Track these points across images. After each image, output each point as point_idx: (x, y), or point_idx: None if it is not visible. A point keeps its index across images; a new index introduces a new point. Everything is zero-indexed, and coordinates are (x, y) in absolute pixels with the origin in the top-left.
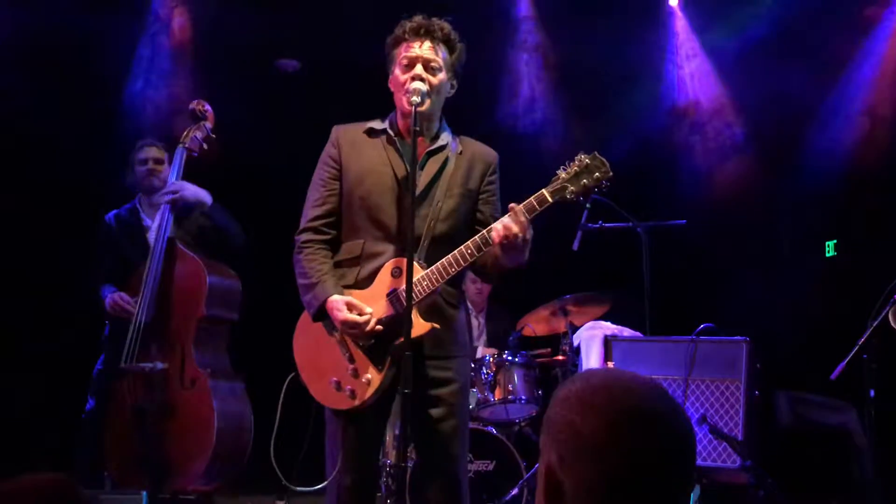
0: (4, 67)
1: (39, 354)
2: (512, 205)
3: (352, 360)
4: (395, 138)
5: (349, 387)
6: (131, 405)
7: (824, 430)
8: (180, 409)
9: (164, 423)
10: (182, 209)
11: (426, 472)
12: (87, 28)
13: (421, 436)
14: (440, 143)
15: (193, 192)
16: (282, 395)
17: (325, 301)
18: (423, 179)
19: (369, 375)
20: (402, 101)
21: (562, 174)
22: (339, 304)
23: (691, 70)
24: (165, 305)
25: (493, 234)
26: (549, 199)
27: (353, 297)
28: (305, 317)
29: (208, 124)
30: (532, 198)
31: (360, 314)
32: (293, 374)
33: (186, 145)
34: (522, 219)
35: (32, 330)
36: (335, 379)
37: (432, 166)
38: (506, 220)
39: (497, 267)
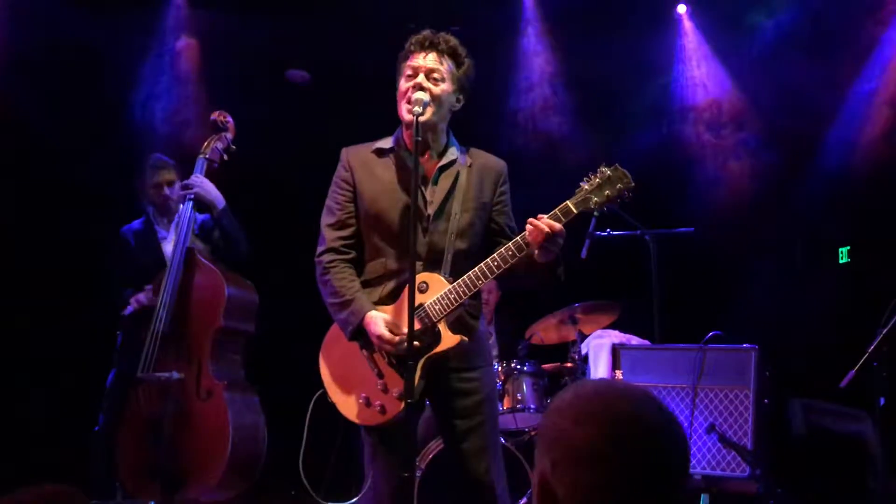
0: (15, 77)
1: (52, 364)
2: (530, 220)
3: (381, 375)
4: (403, 154)
5: (379, 402)
6: (147, 415)
7: (839, 438)
8: (195, 419)
9: (179, 433)
10: (200, 204)
11: (465, 485)
12: (97, 39)
13: (452, 448)
14: (449, 157)
15: (208, 190)
16: (309, 411)
17: (363, 318)
18: (438, 195)
19: (399, 390)
20: (403, 111)
21: (585, 185)
22: (377, 319)
23: (699, 76)
24: (183, 316)
25: (526, 238)
26: (574, 210)
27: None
28: (332, 335)
29: (229, 135)
30: (557, 209)
31: (397, 331)
32: (321, 391)
33: (207, 156)
34: (541, 225)
35: (44, 340)
36: (364, 395)
37: (445, 182)
38: (532, 224)
39: (532, 269)
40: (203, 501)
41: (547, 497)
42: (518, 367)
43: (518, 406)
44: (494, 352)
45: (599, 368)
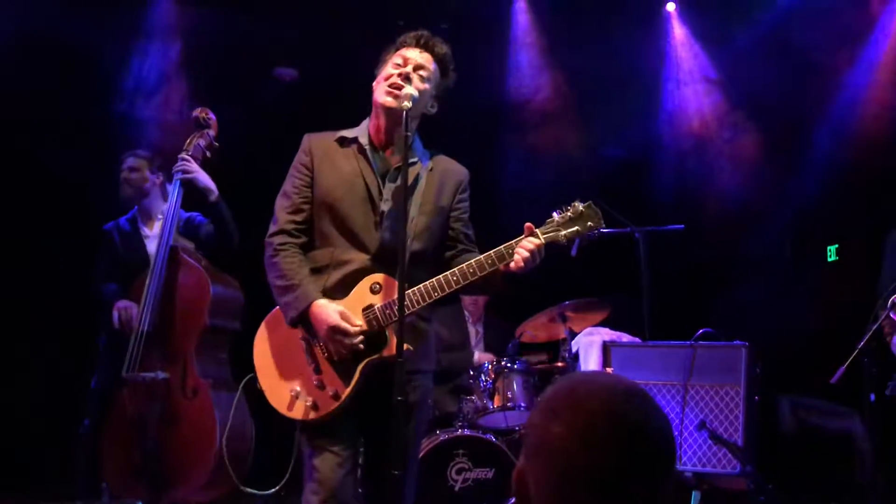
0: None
1: (36, 365)
2: (528, 225)
3: (318, 370)
4: (367, 148)
5: (311, 398)
6: (132, 415)
7: (827, 435)
8: (182, 418)
9: (166, 432)
10: (191, 190)
11: (373, 476)
12: (84, 37)
13: (372, 442)
14: (412, 158)
15: (205, 179)
16: (237, 394)
17: (309, 304)
18: (395, 194)
19: (335, 389)
20: (377, 93)
21: (556, 217)
22: (328, 308)
23: (689, 74)
24: (168, 315)
25: (516, 259)
26: (541, 240)
27: None
28: (271, 321)
29: (212, 132)
30: (524, 236)
31: (350, 324)
32: (250, 375)
33: (190, 153)
34: (539, 242)
35: (28, 340)
36: (297, 388)
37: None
38: (526, 247)
39: (498, 278)
40: (191, 501)
41: (521, 490)
42: (508, 365)
43: (508, 404)
44: (479, 351)
45: (590, 366)
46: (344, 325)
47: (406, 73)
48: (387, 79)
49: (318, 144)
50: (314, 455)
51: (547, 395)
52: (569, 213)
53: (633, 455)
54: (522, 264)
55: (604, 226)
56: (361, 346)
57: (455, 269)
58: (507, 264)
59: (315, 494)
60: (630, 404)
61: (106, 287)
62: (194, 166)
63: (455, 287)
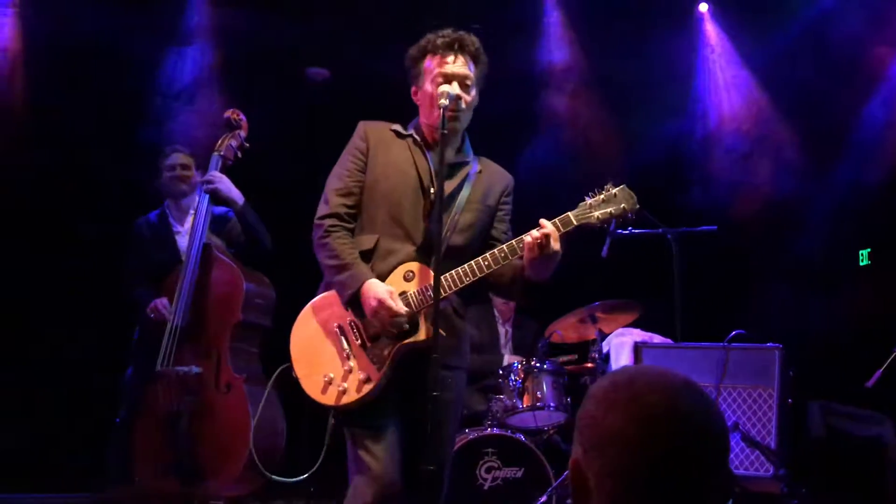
0: (37, 75)
1: (70, 360)
2: (542, 221)
3: (351, 357)
4: (422, 144)
5: (345, 384)
6: (166, 408)
7: (857, 441)
8: (215, 412)
9: (199, 426)
10: (217, 200)
11: (408, 472)
12: (118, 37)
13: (409, 439)
14: (463, 157)
15: (228, 186)
16: (270, 382)
17: (363, 283)
18: (445, 188)
19: (368, 374)
20: (434, 116)
21: (589, 200)
22: (378, 285)
23: (722, 75)
24: (201, 310)
25: (528, 238)
26: (574, 222)
27: None
28: (308, 311)
29: (242, 133)
30: (557, 219)
31: (398, 304)
32: (286, 364)
33: (222, 153)
34: (553, 229)
35: (62, 335)
36: (330, 374)
37: (455, 179)
38: (538, 230)
39: (521, 282)
40: (223, 495)
41: (579, 482)
42: (538, 365)
43: (538, 404)
44: (507, 352)
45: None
46: (389, 300)
47: (456, 95)
48: (437, 100)
49: (374, 131)
50: (362, 449)
51: (604, 386)
52: (601, 196)
53: (693, 447)
54: (531, 242)
55: (638, 208)
56: (406, 325)
57: (486, 253)
58: (521, 257)
59: (368, 487)
60: (690, 398)
61: (137, 291)
62: (217, 175)
63: (486, 271)
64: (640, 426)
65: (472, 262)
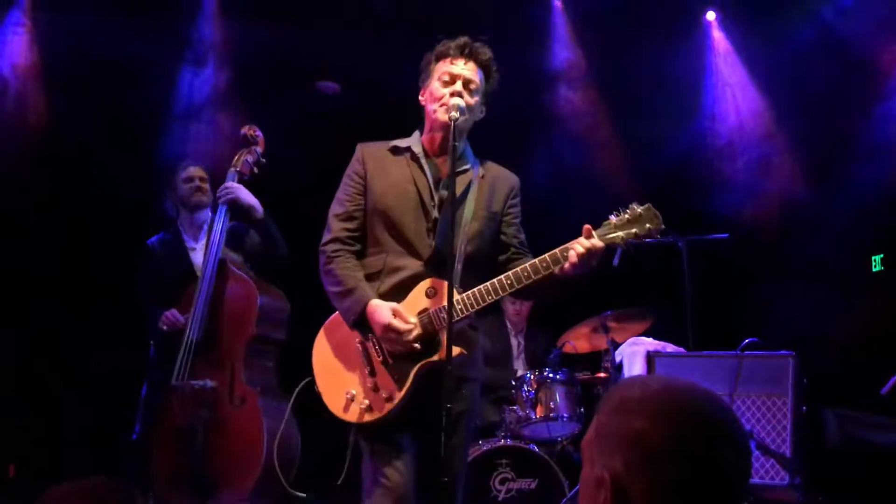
0: (52, 92)
1: (86, 376)
2: (587, 227)
3: (373, 373)
4: (420, 156)
5: (366, 400)
6: (181, 422)
7: (874, 449)
8: (230, 427)
9: (214, 440)
10: (236, 211)
11: (423, 484)
12: (129, 50)
13: (424, 450)
14: (465, 165)
15: (247, 196)
16: (293, 397)
17: (366, 305)
18: (447, 202)
19: (390, 392)
20: (437, 114)
21: (613, 220)
22: (383, 308)
23: (731, 82)
24: (216, 324)
25: (570, 256)
26: (598, 242)
27: None
28: (330, 325)
29: (259, 148)
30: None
31: (404, 322)
32: (308, 378)
33: (238, 168)
34: (597, 244)
35: (78, 351)
36: (352, 391)
37: (457, 188)
38: (582, 245)
39: (555, 281)
40: None
41: (620, 498)
42: (551, 375)
43: (551, 415)
44: (522, 357)
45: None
46: (396, 323)
47: (457, 93)
48: (438, 99)
49: (370, 153)
50: (381, 462)
51: (636, 397)
52: (627, 216)
53: (739, 456)
54: (576, 260)
55: (663, 228)
56: (417, 344)
57: (509, 272)
58: (562, 267)
59: (387, 499)
60: (719, 408)
61: (151, 309)
62: (234, 185)
63: (509, 291)
64: (688, 439)
65: (496, 280)
